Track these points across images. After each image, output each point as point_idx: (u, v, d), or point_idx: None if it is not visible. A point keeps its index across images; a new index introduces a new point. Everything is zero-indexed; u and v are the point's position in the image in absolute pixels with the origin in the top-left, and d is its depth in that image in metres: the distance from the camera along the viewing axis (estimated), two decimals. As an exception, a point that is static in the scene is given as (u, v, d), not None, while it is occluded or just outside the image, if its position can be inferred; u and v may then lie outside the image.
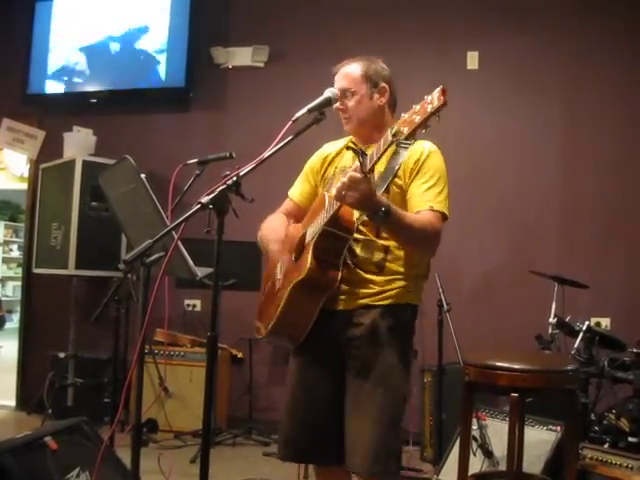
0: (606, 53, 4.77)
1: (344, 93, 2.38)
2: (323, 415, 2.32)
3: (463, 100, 4.84)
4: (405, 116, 1.89)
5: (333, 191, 2.05)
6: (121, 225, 3.17)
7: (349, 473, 2.38)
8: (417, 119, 1.84)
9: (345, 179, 1.98)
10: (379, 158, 1.96)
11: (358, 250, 2.28)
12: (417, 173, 2.28)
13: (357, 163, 1.99)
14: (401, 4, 5.17)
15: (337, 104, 2.35)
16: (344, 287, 2.26)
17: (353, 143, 2.03)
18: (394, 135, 1.88)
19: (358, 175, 1.96)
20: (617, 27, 4.75)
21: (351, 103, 2.38)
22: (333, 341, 2.31)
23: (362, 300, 2.29)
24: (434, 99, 1.83)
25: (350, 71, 2.41)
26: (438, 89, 1.83)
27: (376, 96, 2.39)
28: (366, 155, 1.98)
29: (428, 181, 2.27)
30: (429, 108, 1.83)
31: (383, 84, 2.40)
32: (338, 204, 2.08)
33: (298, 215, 2.56)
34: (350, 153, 2.45)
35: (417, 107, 1.87)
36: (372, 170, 1.99)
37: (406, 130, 1.85)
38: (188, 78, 5.41)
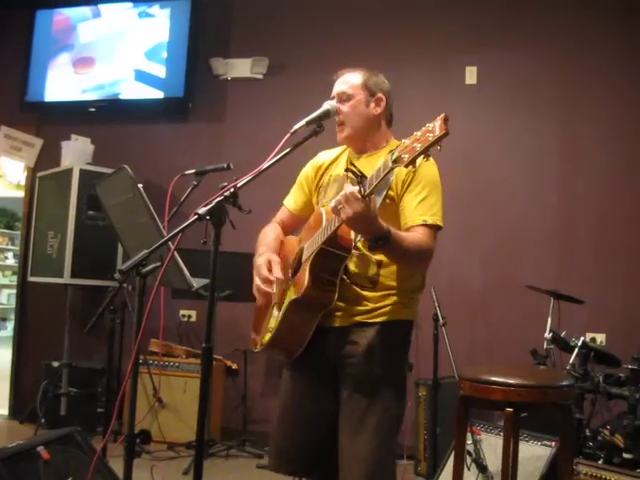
0: (604, 68, 4.79)
1: (340, 97, 2.39)
2: (315, 429, 2.33)
3: (461, 115, 4.86)
4: (406, 142, 1.84)
5: (332, 202, 2.03)
6: (117, 235, 3.17)
7: None
8: (418, 147, 1.79)
9: (344, 192, 1.95)
10: (378, 183, 1.92)
11: (352, 266, 2.28)
12: (409, 184, 2.26)
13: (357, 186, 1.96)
14: (400, 19, 5.20)
15: (335, 115, 2.36)
16: (339, 304, 2.26)
17: (352, 164, 2.01)
18: (394, 162, 1.84)
19: (357, 193, 1.93)
20: (615, 43, 4.78)
21: (346, 108, 2.37)
22: (327, 357, 2.31)
23: (357, 317, 2.28)
24: (436, 128, 1.77)
25: (350, 78, 2.42)
26: (440, 117, 1.78)
27: (372, 105, 2.39)
28: (365, 178, 1.95)
29: (421, 192, 2.25)
30: (430, 137, 1.77)
31: (380, 94, 2.40)
32: (337, 223, 2.07)
33: (293, 224, 2.58)
34: (344, 160, 2.47)
35: (418, 134, 1.82)
36: (372, 194, 1.96)
37: (407, 158, 1.81)
38: (187, 89, 5.41)
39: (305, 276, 2.17)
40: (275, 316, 2.35)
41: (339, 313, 2.28)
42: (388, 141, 2.44)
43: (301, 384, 2.39)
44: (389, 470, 2.27)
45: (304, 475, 2.47)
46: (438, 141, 1.77)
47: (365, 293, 2.28)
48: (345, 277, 2.26)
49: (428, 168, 2.28)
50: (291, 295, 2.24)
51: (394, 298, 2.29)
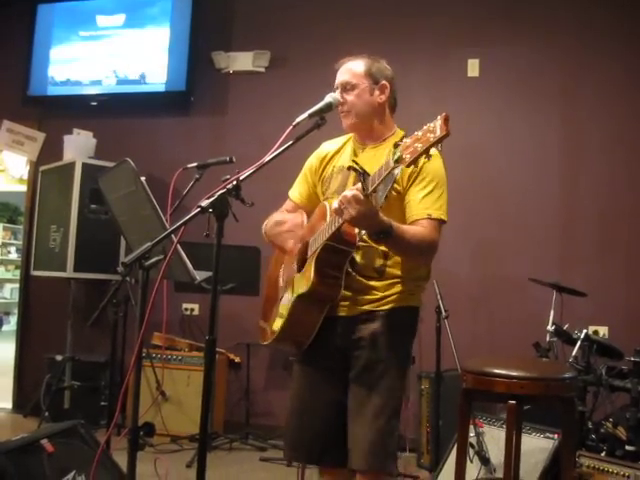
0: (606, 61, 4.77)
1: (344, 87, 2.39)
2: (329, 418, 2.36)
3: (463, 107, 4.86)
4: (407, 142, 1.83)
5: (335, 204, 2.05)
6: (120, 228, 3.16)
7: (353, 474, 2.40)
8: (419, 148, 1.79)
9: (347, 194, 1.97)
10: (380, 182, 1.93)
11: (358, 258, 2.30)
12: (416, 178, 2.27)
13: (359, 184, 1.97)
14: (402, 11, 5.18)
15: (339, 105, 2.36)
16: (346, 293, 2.28)
17: (355, 162, 2.02)
18: (396, 162, 1.84)
19: (360, 194, 1.94)
20: (618, 36, 4.76)
21: (351, 97, 2.38)
22: (337, 346, 2.34)
23: (365, 307, 2.32)
24: (436, 128, 1.76)
25: (353, 66, 2.42)
26: (441, 117, 1.76)
27: (377, 92, 2.40)
28: (368, 176, 1.95)
29: (427, 186, 2.27)
30: (431, 138, 1.76)
31: (384, 82, 2.41)
32: (340, 221, 2.07)
33: None
34: (349, 151, 2.47)
35: (419, 134, 1.81)
36: (374, 191, 1.96)
37: (408, 158, 1.81)
38: (189, 82, 5.40)
39: (311, 271, 2.18)
40: (284, 304, 2.37)
41: (346, 303, 2.31)
42: (392, 130, 2.45)
43: (312, 375, 2.42)
44: (392, 449, 2.32)
45: (319, 463, 2.50)
46: (439, 142, 1.77)
47: (372, 283, 2.31)
48: (351, 269, 2.27)
49: (434, 162, 2.27)
50: (297, 290, 2.26)
51: (401, 287, 2.32)
